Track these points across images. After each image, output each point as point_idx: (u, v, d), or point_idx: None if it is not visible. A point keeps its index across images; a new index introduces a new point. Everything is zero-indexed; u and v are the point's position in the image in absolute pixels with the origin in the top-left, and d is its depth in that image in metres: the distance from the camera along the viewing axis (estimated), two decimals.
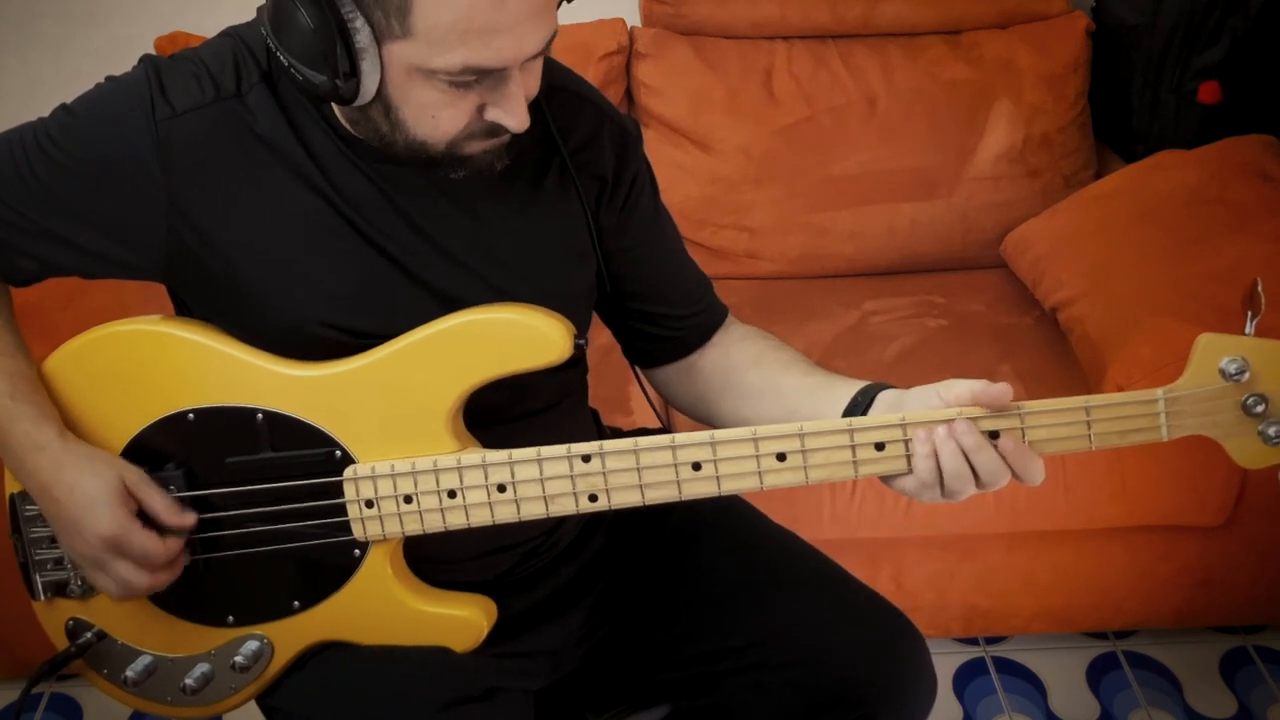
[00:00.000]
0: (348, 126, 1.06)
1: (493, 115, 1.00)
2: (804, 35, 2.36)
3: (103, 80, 1.09)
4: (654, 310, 1.26)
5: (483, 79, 0.97)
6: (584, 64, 2.26)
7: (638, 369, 1.32)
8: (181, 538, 1.08)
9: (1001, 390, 1.00)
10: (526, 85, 1.00)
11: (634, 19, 2.42)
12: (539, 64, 1.02)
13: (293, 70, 0.97)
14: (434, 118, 0.99)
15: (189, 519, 1.08)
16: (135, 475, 1.07)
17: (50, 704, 1.98)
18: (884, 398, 1.08)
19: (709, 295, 1.30)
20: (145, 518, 1.07)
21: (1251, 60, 2.28)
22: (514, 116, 0.99)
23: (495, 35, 0.93)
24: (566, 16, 1.05)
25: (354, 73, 0.95)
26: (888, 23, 2.35)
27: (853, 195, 2.30)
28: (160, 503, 1.07)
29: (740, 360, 1.25)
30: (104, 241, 1.07)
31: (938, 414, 1.01)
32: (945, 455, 1.00)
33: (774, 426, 1.03)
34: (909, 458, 1.03)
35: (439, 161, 1.03)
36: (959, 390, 1.02)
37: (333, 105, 1.06)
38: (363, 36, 0.94)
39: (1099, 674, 2.01)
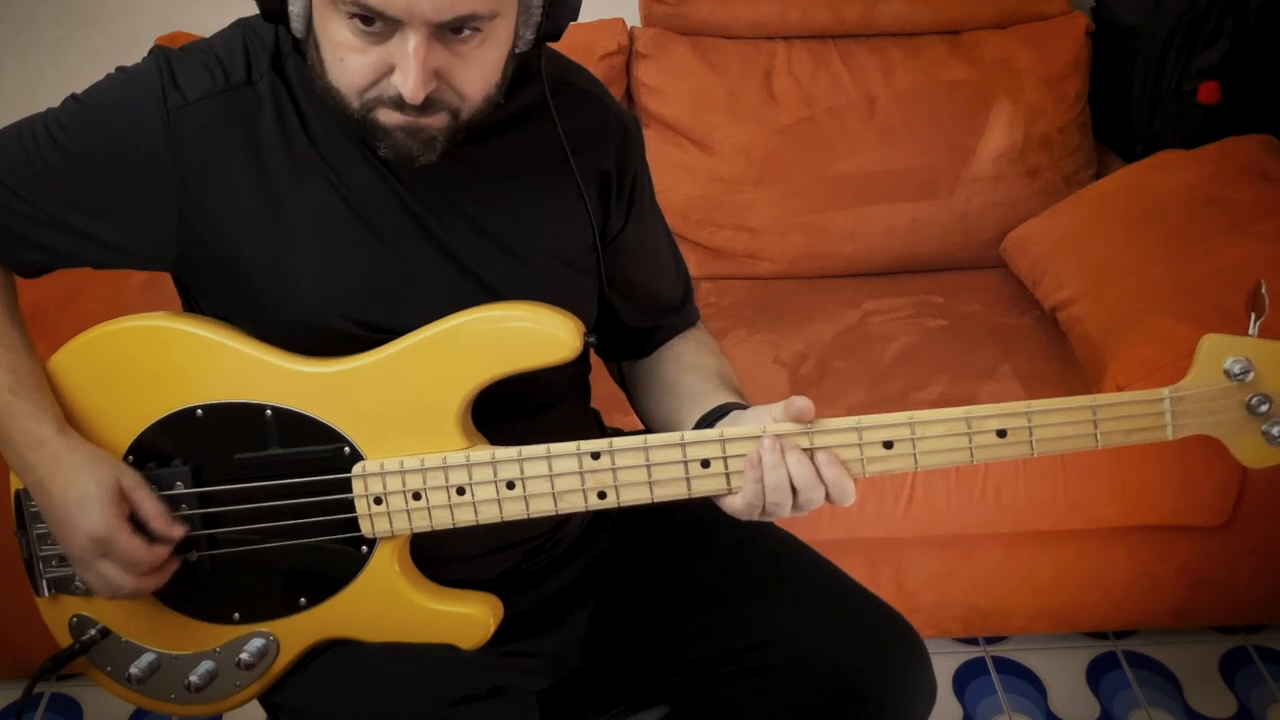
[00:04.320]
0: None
1: (394, 78, 0.97)
2: (804, 35, 2.36)
3: (113, 71, 1.09)
4: (634, 299, 1.26)
5: (386, 33, 0.95)
6: (584, 64, 2.24)
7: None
8: (168, 546, 1.08)
9: (802, 404, 1.02)
10: (440, 60, 0.97)
11: (634, 19, 2.42)
12: (472, 51, 0.98)
13: None
14: (343, 60, 0.98)
15: (178, 531, 1.08)
16: (132, 479, 1.07)
17: (51, 704, 1.98)
18: (730, 416, 1.11)
19: (688, 299, 1.32)
20: (139, 522, 1.07)
21: (1251, 60, 2.28)
22: (406, 80, 0.96)
23: None
24: None
25: None
26: (888, 23, 2.35)
27: (852, 195, 2.30)
28: (152, 509, 1.07)
29: (664, 354, 1.28)
30: (115, 231, 1.06)
31: (950, 413, 1.02)
32: (767, 467, 1.02)
33: (785, 425, 1.03)
34: (915, 456, 1.03)
35: (361, 127, 1.01)
36: (776, 411, 1.05)
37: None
38: None
39: (1099, 674, 2.01)
